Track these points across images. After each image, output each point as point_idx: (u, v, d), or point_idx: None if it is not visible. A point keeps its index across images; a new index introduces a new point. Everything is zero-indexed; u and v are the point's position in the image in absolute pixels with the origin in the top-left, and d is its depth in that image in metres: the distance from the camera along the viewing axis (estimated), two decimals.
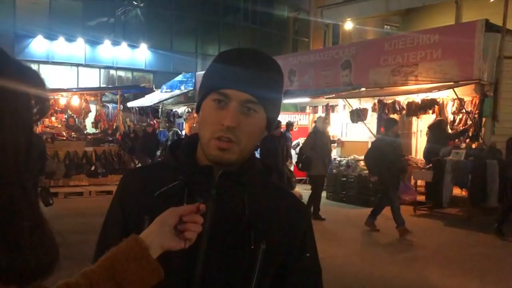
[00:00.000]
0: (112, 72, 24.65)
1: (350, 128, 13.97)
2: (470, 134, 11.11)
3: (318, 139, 9.47)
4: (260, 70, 1.15)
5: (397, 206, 8.13)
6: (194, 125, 15.67)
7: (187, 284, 1.14)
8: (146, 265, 0.99)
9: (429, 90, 11.05)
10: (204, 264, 1.14)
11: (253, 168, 1.23)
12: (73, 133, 12.88)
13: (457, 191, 10.10)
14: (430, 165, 10.16)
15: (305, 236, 1.27)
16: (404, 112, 11.91)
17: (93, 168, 11.69)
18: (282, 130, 10.98)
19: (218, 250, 1.15)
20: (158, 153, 13.95)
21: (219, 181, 1.17)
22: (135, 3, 25.05)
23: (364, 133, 13.02)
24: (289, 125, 12.80)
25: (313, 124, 11.66)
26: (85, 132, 14.61)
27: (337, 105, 14.43)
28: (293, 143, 13.15)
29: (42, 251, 0.72)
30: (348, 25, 20.27)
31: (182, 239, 1.04)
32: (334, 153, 13.29)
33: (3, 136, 0.68)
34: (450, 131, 11.25)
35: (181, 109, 20.30)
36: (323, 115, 14.20)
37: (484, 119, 10.81)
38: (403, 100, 11.91)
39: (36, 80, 0.74)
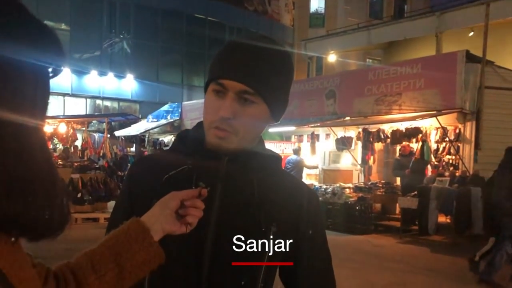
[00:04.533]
0: (99, 102, 24.68)
1: (334, 156, 14.14)
2: (453, 162, 11.41)
3: None
4: (259, 59, 1.12)
5: None
6: None
7: (197, 267, 1.13)
8: (148, 247, 0.97)
9: (413, 118, 11.30)
10: (213, 247, 1.13)
11: (262, 154, 1.22)
12: (59, 160, 12.79)
13: (442, 218, 10.24)
14: (415, 192, 10.30)
15: (315, 216, 1.27)
16: (388, 140, 12.11)
17: (79, 195, 11.59)
18: None
19: (228, 233, 1.13)
20: None
21: (228, 165, 1.16)
22: (122, 36, 25.27)
23: (348, 161, 13.19)
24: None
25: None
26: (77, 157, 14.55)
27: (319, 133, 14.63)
28: None
29: (57, 205, 0.71)
30: (331, 57, 20.67)
31: (184, 224, 1.02)
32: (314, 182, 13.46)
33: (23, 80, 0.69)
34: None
35: (167, 138, 20.38)
36: (308, 143, 14.37)
37: (467, 147, 11.08)
38: (388, 128, 12.14)
39: (53, 40, 0.74)
